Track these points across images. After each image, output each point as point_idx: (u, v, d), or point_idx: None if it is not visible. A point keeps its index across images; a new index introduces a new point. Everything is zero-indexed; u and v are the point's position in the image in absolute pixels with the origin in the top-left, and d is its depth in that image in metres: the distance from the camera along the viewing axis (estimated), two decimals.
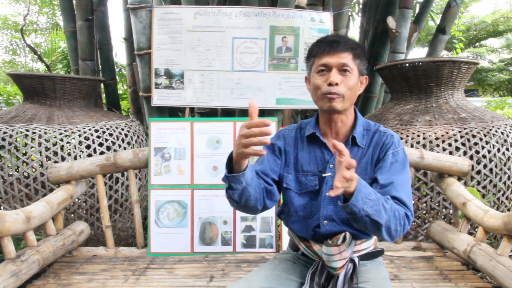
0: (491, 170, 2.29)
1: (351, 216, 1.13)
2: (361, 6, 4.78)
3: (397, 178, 1.23)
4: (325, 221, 1.30)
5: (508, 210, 2.35)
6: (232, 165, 1.15)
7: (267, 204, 1.32)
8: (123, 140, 2.67)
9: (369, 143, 1.31)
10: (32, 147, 2.40)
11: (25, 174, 2.43)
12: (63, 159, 2.43)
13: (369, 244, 1.35)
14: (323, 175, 1.30)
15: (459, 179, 2.09)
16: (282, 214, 1.42)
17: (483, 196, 2.28)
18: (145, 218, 2.37)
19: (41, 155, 2.41)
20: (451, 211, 2.28)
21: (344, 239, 1.25)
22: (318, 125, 1.37)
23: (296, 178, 1.35)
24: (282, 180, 1.37)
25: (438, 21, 4.14)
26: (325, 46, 1.26)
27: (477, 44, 16.40)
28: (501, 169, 2.31)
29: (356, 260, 1.30)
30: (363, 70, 1.30)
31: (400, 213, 1.16)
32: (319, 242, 1.32)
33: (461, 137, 2.30)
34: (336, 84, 1.22)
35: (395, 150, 1.28)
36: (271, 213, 2.07)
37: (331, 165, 1.31)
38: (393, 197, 1.20)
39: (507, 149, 2.32)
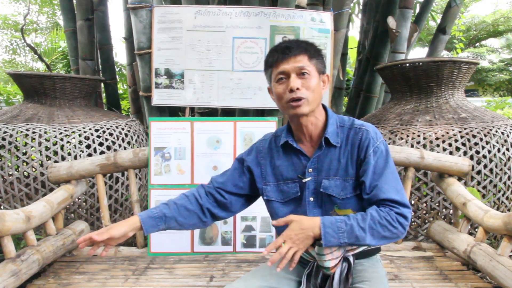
0: (491, 170, 2.29)
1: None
2: (361, 6, 4.78)
3: (381, 179, 1.22)
4: None
5: (508, 210, 2.35)
6: None
7: (220, 214, 1.41)
8: (123, 140, 2.67)
9: (346, 141, 1.29)
10: (32, 147, 2.40)
11: (25, 173, 2.43)
12: (63, 158, 2.43)
13: None
14: (303, 180, 1.30)
15: (459, 179, 2.09)
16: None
17: (483, 196, 2.28)
18: None
19: (41, 154, 2.41)
20: (451, 211, 2.28)
21: None
22: (291, 132, 1.36)
23: (277, 188, 1.35)
24: (262, 194, 1.39)
25: (438, 21, 4.14)
26: (279, 54, 1.25)
27: (477, 44, 16.40)
28: (501, 169, 2.31)
29: (351, 259, 1.29)
30: (322, 69, 1.29)
31: (389, 218, 1.16)
32: (312, 244, 1.31)
33: (461, 137, 2.30)
34: (298, 89, 1.22)
35: (375, 146, 1.25)
36: None
37: (310, 169, 1.30)
38: (382, 200, 1.19)
39: (507, 149, 2.32)
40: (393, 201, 1.19)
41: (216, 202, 1.39)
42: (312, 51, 1.26)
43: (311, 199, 1.30)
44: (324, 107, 1.34)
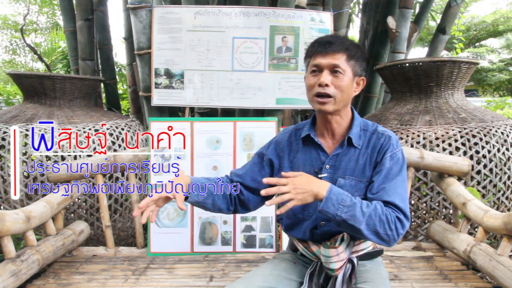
0: (491, 170, 2.29)
1: (332, 221, 1.19)
2: (361, 6, 4.78)
3: (390, 183, 1.23)
4: (323, 222, 1.30)
5: (508, 210, 2.35)
6: None
7: (239, 210, 1.40)
8: (123, 140, 2.67)
9: (367, 144, 1.30)
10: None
11: (25, 174, 2.43)
12: (63, 159, 2.44)
13: (368, 244, 1.35)
14: (319, 176, 1.29)
15: (459, 179, 2.09)
16: (281, 220, 1.43)
17: (483, 196, 2.28)
18: None
19: (41, 155, 2.41)
20: (451, 211, 2.28)
21: (342, 240, 1.25)
22: (314, 126, 1.37)
23: None
24: None
25: (438, 21, 4.14)
26: (318, 46, 1.26)
27: (477, 44, 16.38)
28: (501, 169, 2.31)
29: (355, 260, 1.30)
30: (359, 71, 1.28)
31: (389, 217, 1.16)
32: (317, 243, 1.32)
33: (461, 137, 2.30)
34: (326, 85, 1.23)
35: (393, 152, 1.27)
36: (271, 213, 2.06)
37: (327, 165, 1.30)
38: (385, 202, 1.20)
39: (507, 149, 2.32)
40: (396, 206, 1.19)
41: (238, 197, 1.39)
42: (353, 51, 1.25)
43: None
44: (351, 108, 1.35)
